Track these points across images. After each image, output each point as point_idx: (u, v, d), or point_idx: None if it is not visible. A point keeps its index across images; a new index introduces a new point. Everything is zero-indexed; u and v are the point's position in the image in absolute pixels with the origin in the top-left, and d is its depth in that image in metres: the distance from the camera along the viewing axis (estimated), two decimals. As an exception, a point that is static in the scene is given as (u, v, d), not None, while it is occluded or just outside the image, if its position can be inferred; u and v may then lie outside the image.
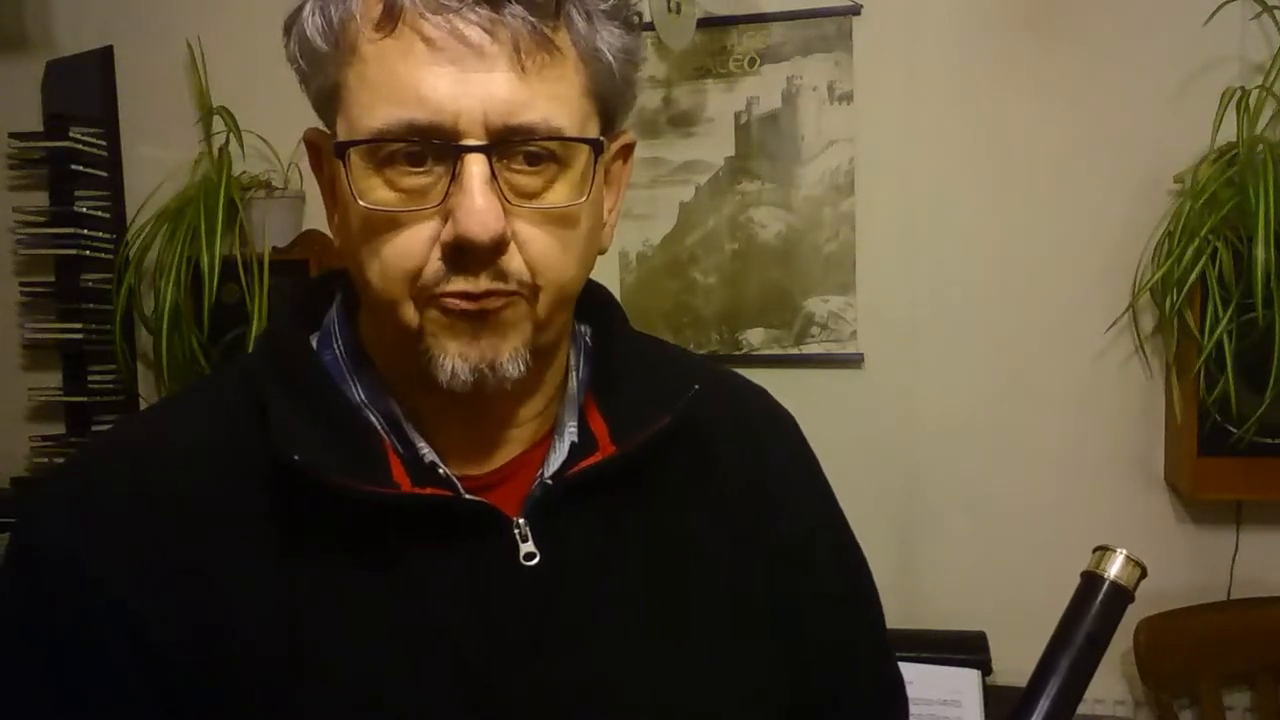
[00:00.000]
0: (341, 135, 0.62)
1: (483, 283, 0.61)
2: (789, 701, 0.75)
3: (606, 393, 0.73)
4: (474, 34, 0.58)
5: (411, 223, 0.61)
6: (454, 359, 0.62)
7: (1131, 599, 0.69)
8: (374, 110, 0.60)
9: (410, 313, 0.62)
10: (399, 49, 0.59)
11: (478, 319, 0.62)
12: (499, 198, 0.60)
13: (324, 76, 0.63)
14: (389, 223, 0.61)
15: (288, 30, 0.64)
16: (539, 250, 0.62)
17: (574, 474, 0.68)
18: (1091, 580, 0.69)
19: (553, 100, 0.60)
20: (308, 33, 0.62)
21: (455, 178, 0.59)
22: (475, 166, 0.59)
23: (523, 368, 0.63)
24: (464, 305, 0.61)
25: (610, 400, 0.73)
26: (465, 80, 0.58)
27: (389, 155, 0.60)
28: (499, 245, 0.60)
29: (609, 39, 0.64)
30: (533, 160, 0.61)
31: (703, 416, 0.74)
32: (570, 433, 0.71)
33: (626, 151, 0.72)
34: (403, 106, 0.59)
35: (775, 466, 0.80)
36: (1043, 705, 0.67)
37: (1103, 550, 0.70)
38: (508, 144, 0.60)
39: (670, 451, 0.72)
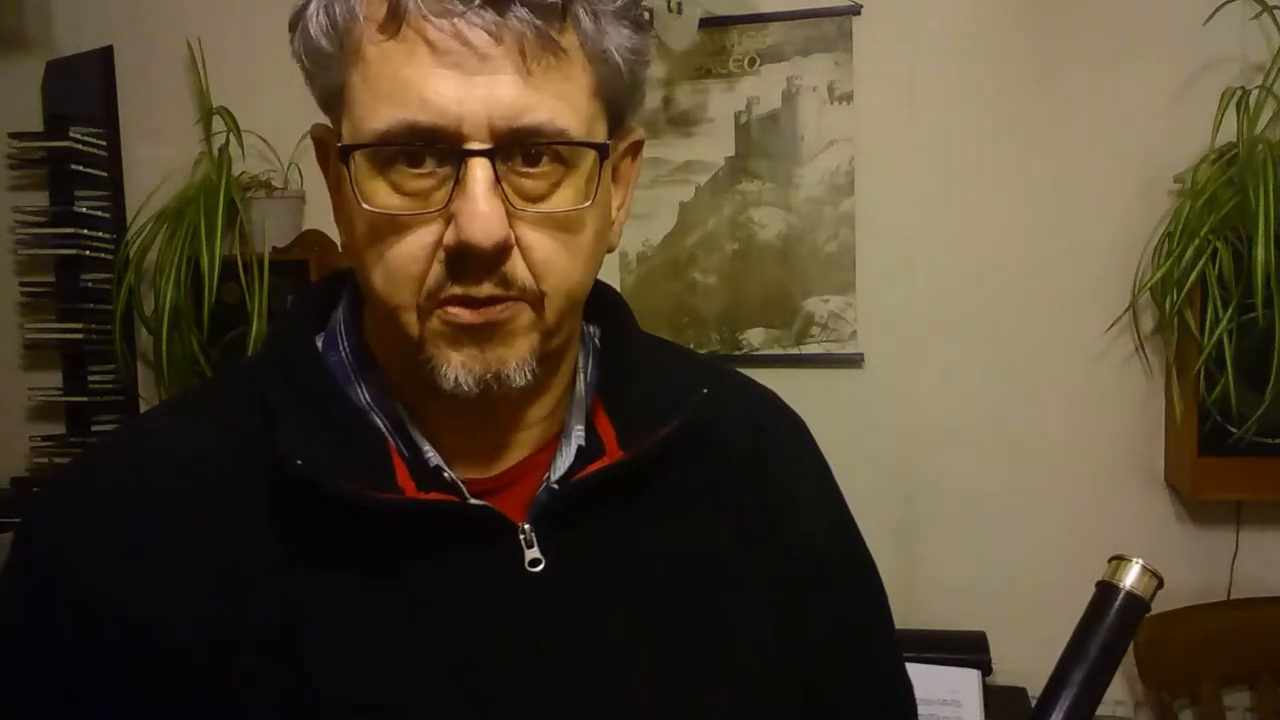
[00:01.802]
0: (345, 137, 0.62)
1: (485, 288, 0.60)
2: (798, 706, 0.75)
3: (614, 396, 0.72)
4: (478, 37, 0.58)
5: (415, 226, 0.60)
6: (457, 369, 0.62)
7: (1148, 609, 0.68)
8: (378, 113, 0.59)
9: (412, 320, 0.62)
10: (403, 51, 0.59)
11: (482, 331, 0.61)
12: (503, 202, 0.59)
13: (328, 76, 0.63)
14: (392, 226, 0.61)
15: (293, 27, 0.64)
16: (543, 256, 0.61)
17: (580, 479, 0.67)
18: (1107, 590, 0.68)
19: (558, 102, 0.60)
20: (312, 32, 0.62)
21: (459, 181, 0.59)
22: (479, 170, 0.58)
23: (529, 376, 0.63)
24: (467, 318, 0.61)
25: (618, 404, 0.72)
26: (469, 83, 0.58)
27: (392, 158, 0.60)
28: (502, 251, 0.60)
29: (617, 39, 0.63)
30: (538, 163, 0.60)
31: (711, 420, 0.74)
32: (577, 436, 0.70)
33: (635, 149, 0.71)
34: (406, 109, 0.58)
35: (785, 469, 0.80)
36: (1056, 718, 0.66)
37: (1118, 560, 0.69)
38: (512, 147, 0.59)
39: (678, 455, 0.71)
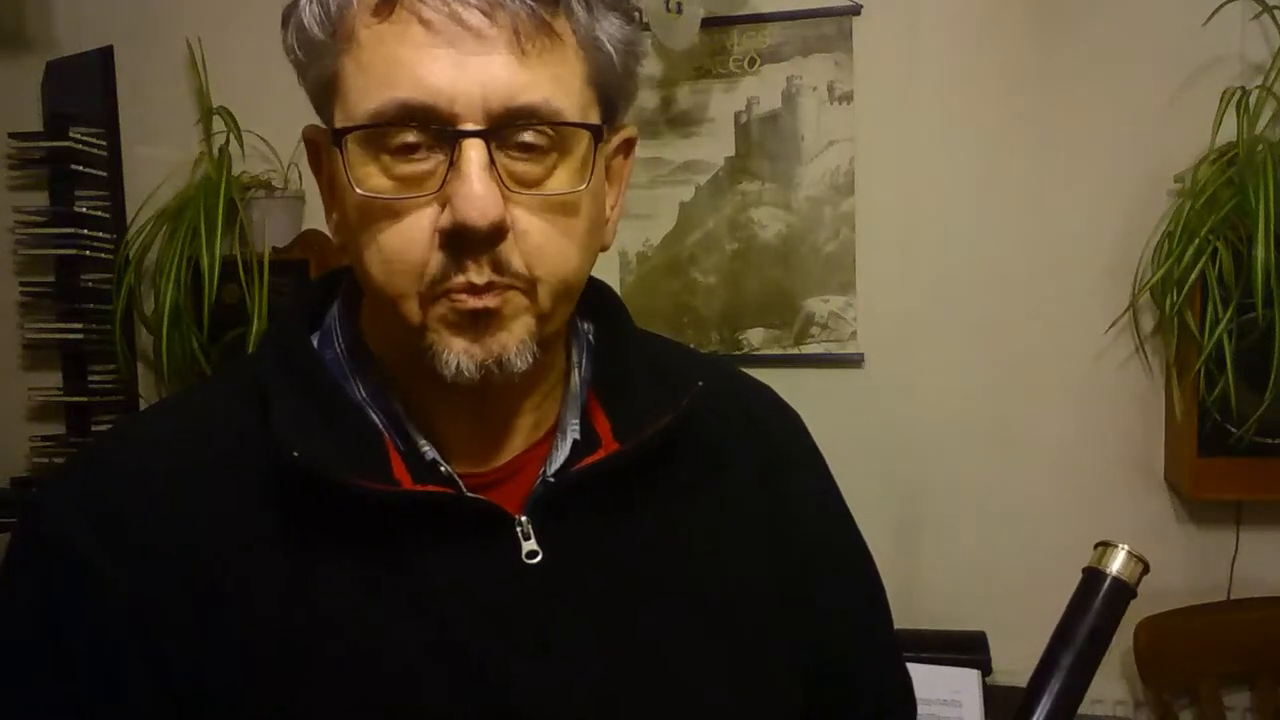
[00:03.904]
0: (339, 123, 0.62)
1: (485, 274, 0.60)
2: (798, 701, 0.75)
3: (610, 390, 0.73)
4: (472, 17, 0.58)
5: (409, 211, 0.60)
6: (459, 355, 0.62)
7: (1134, 594, 0.69)
8: (371, 95, 0.59)
9: (414, 309, 0.62)
10: (396, 33, 0.59)
11: (482, 317, 0.61)
12: (498, 184, 0.59)
13: (321, 66, 0.62)
14: (386, 211, 0.61)
15: (285, 21, 0.64)
16: (537, 242, 0.61)
17: (576, 472, 0.68)
18: (1093, 576, 0.69)
19: (553, 85, 0.60)
20: (305, 22, 0.62)
21: (453, 164, 0.59)
22: (473, 152, 0.58)
23: (530, 360, 0.63)
24: (468, 303, 0.61)
25: (613, 398, 0.72)
26: (463, 64, 0.58)
27: (386, 142, 0.60)
28: (498, 232, 0.59)
29: (609, 29, 0.63)
30: (532, 147, 0.61)
31: (708, 413, 0.74)
32: (572, 430, 0.71)
33: (628, 146, 0.72)
34: (400, 90, 0.58)
35: (782, 464, 0.80)
36: (1045, 702, 0.67)
37: (1104, 546, 0.70)
38: (507, 129, 0.59)
39: (675, 449, 0.72)
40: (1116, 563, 0.69)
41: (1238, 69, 1.67)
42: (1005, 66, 1.76)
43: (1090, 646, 0.68)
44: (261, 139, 1.94)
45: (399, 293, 0.62)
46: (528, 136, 0.60)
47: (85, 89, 2.04)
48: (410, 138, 0.59)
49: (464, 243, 0.59)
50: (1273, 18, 1.62)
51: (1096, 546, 0.70)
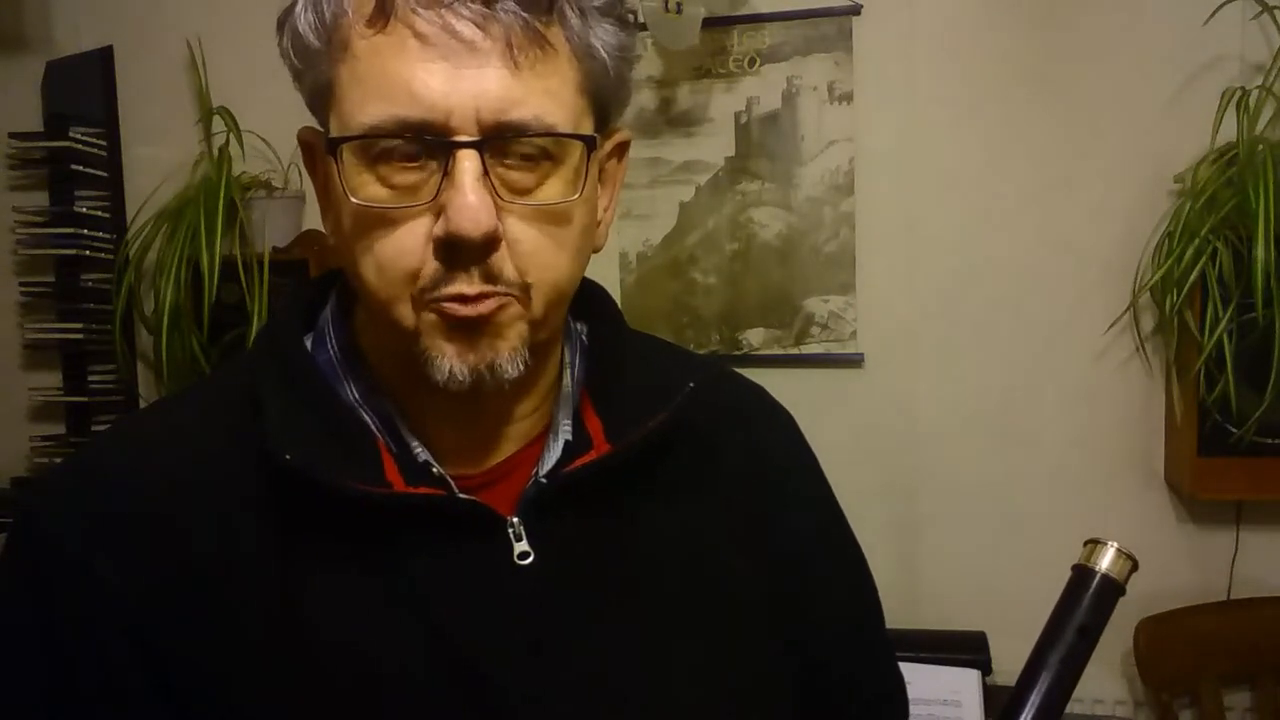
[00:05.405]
0: (334, 132, 0.62)
1: (476, 284, 0.61)
2: (790, 700, 0.75)
3: (602, 391, 0.73)
4: (466, 29, 0.58)
5: (404, 220, 0.60)
6: (451, 360, 0.62)
7: (1123, 592, 0.69)
8: (366, 107, 0.59)
9: (407, 313, 0.62)
10: (391, 45, 0.59)
11: (474, 325, 0.62)
12: (491, 194, 0.60)
13: (316, 73, 0.63)
14: (381, 220, 0.61)
15: (280, 26, 0.64)
16: (530, 250, 0.62)
17: (568, 473, 0.68)
18: (1082, 573, 0.70)
19: (546, 96, 0.60)
20: (300, 29, 0.62)
21: (447, 174, 0.59)
22: (467, 162, 0.59)
23: (521, 367, 0.63)
24: (460, 311, 0.61)
25: (606, 399, 0.72)
26: (457, 76, 0.58)
27: (381, 152, 0.60)
28: (491, 242, 0.60)
29: (603, 36, 0.64)
30: (525, 157, 0.61)
31: (700, 414, 0.74)
32: (565, 431, 0.71)
33: (621, 149, 0.72)
34: (394, 103, 0.59)
35: (775, 465, 0.80)
36: (1034, 700, 0.67)
37: (1093, 543, 0.70)
38: (500, 140, 0.60)
39: (668, 450, 0.72)
40: (1105, 560, 0.69)
41: (1238, 69, 1.67)
42: (1005, 66, 1.77)
43: (1079, 644, 0.68)
44: (261, 139, 1.94)
45: (392, 297, 0.62)
46: (521, 147, 0.61)
47: (85, 89, 2.04)
48: (405, 148, 0.60)
49: (457, 252, 0.60)
50: (1273, 18, 1.62)
51: (1086, 544, 0.71)
